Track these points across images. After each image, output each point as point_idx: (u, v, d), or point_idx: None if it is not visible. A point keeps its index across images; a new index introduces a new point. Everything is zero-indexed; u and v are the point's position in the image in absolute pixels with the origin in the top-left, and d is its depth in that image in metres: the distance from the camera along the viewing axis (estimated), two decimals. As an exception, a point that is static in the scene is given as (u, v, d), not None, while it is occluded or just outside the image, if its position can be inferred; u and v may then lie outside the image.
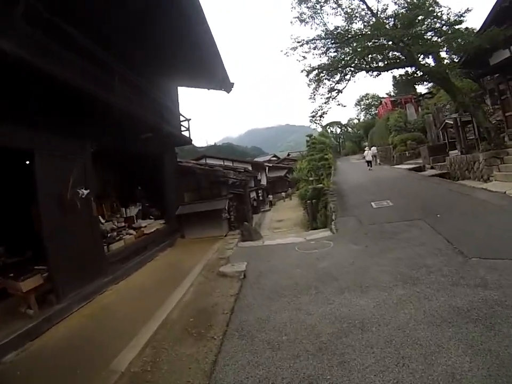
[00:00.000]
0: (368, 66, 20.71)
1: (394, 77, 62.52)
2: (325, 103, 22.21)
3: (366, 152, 38.47)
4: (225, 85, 15.99)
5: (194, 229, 15.00)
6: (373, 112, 77.53)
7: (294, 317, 5.88)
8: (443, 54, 20.19)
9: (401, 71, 22.92)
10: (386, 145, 40.17)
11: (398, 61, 20.16)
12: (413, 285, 6.36)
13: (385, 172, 29.62)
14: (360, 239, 10.52)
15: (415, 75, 21.87)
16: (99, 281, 8.98)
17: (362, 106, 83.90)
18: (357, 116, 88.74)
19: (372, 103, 79.70)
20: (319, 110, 22.59)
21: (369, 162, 35.71)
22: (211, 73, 15.03)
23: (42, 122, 7.63)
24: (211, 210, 14.78)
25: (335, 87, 21.73)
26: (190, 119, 16.26)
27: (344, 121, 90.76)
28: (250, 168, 39.33)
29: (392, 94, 60.02)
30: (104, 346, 5.90)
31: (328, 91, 21.80)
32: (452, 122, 21.77)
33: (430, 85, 43.66)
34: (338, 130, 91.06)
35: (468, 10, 17.71)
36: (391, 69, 21.25)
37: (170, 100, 15.13)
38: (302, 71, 21.69)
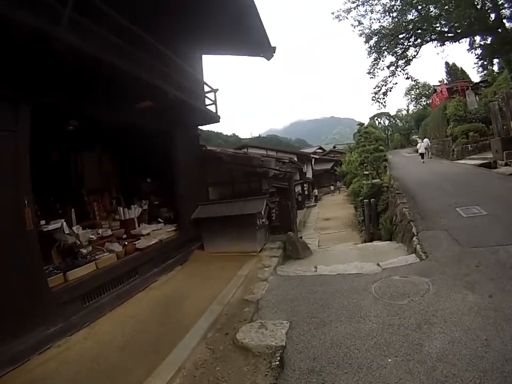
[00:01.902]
0: (440, 33, 16.42)
1: (447, 63, 60.21)
2: (391, 75, 17.93)
3: (419, 144, 35.07)
4: (264, 48, 11.52)
5: (218, 239, 10.41)
6: (423, 103, 72.25)
7: None
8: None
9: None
10: (443, 138, 35.70)
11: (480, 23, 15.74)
12: None
13: (449, 167, 25.15)
14: (472, 276, 6.31)
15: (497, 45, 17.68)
16: (37, 334, 5.08)
17: (412, 96, 77.46)
18: (407, 106, 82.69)
19: (423, 93, 73.72)
20: (382, 85, 18.38)
21: (422, 155, 32.55)
22: (247, 33, 10.67)
23: None
24: (241, 215, 10.10)
25: (405, 54, 17.45)
26: (217, 90, 11.58)
27: (392, 113, 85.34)
28: (295, 159, 35.88)
29: (445, 82, 54.64)
30: None
31: (394, 61, 17.53)
32: None
33: (483, 73, 42.84)
34: (387, 122, 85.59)
35: None
36: (469, 35, 16.87)
37: (189, 65, 10.42)
38: (360, 35, 17.72)
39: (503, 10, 15.88)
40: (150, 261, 8.22)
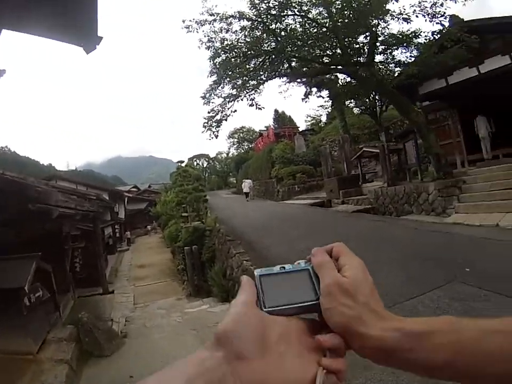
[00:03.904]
0: (295, 68, 16.08)
1: (276, 111, 66.81)
2: (232, 100, 15.75)
3: (243, 184, 36.47)
4: (88, 36, 8.16)
5: None
6: (246, 147, 75.10)
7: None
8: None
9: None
10: (266, 179, 37.20)
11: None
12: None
13: (278, 207, 25.02)
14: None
15: (353, 84, 18.10)
16: None
17: (235, 140, 79.96)
18: (228, 149, 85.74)
19: (247, 137, 76.86)
20: (219, 110, 16.02)
21: (247, 194, 34.81)
22: (69, 8, 7.27)
23: None
24: None
25: (258, 78, 15.77)
26: (3, 71, 7.93)
27: (212, 155, 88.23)
28: (107, 197, 33.25)
29: (272, 127, 56.72)
30: None
31: (241, 82, 15.56)
32: (374, 150, 19.51)
33: (310, 122, 51.48)
34: (205, 164, 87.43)
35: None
36: (335, 69, 16.81)
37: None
38: (208, 48, 15.66)
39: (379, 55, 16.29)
40: None
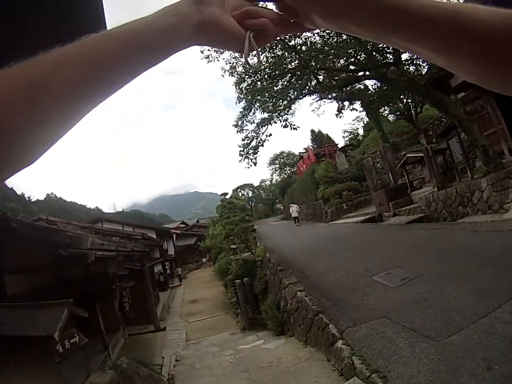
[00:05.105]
0: (321, 83, 15.89)
1: (313, 131, 65.19)
2: (265, 124, 15.38)
3: (291, 209, 35.87)
4: None
5: (5, 372, 5.64)
6: (288, 171, 74.03)
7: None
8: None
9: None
10: (312, 201, 36.37)
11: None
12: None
13: (329, 229, 24.04)
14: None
15: (384, 88, 17.42)
16: None
17: (276, 166, 79.58)
18: (270, 176, 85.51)
19: (287, 162, 76.05)
20: (253, 136, 15.68)
21: (296, 219, 34.54)
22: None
23: None
24: (25, 337, 5.64)
25: (287, 97, 15.42)
26: None
27: (255, 183, 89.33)
28: (154, 235, 34.26)
29: (311, 148, 56.16)
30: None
31: (272, 104, 15.26)
32: (418, 155, 18.93)
33: (348, 137, 51.05)
34: (250, 193, 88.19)
35: None
36: (361, 72, 16.36)
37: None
38: (231, 74, 15.75)
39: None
40: None
